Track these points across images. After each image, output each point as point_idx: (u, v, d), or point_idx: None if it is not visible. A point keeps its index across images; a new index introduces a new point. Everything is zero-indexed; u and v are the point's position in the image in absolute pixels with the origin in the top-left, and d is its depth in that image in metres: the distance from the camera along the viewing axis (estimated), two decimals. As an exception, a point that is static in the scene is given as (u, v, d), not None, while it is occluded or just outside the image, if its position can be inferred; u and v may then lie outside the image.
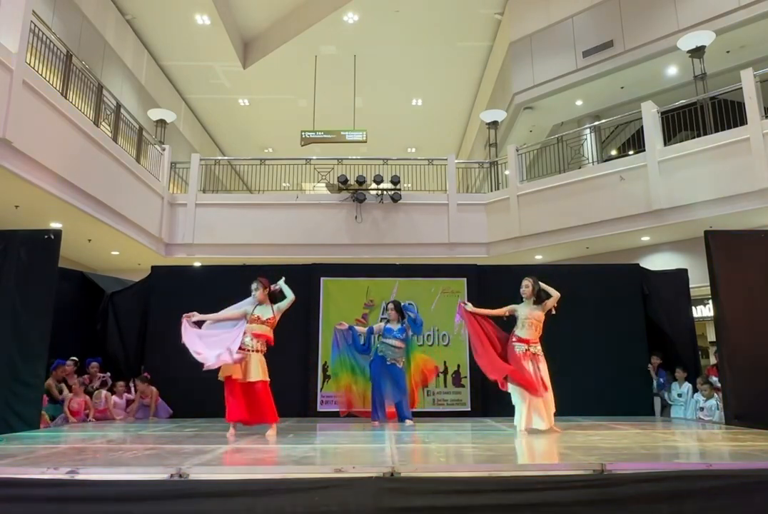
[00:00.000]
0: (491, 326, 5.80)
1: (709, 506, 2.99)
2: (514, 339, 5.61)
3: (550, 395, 5.54)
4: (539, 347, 5.65)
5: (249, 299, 5.51)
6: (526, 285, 5.67)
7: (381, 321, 7.00)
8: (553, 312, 5.69)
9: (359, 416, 6.75)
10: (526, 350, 5.55)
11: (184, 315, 5.30)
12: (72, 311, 7.77)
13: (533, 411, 5.41)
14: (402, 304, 6.85)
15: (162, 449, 4.23)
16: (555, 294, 5.68)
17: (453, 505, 2.91)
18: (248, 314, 5.40)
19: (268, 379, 5.32)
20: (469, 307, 5.86)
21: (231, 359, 5.05)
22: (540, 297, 5.64)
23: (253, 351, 5.29)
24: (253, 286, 5.48)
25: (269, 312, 5.46)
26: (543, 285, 5.69)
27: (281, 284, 5.69)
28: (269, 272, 8.41)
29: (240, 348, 5.18)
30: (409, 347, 6.78)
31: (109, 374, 7.62)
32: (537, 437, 5.01)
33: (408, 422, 6.37)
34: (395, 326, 6.69)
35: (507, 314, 5.78)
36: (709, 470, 3.17)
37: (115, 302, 8.13)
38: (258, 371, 5.23)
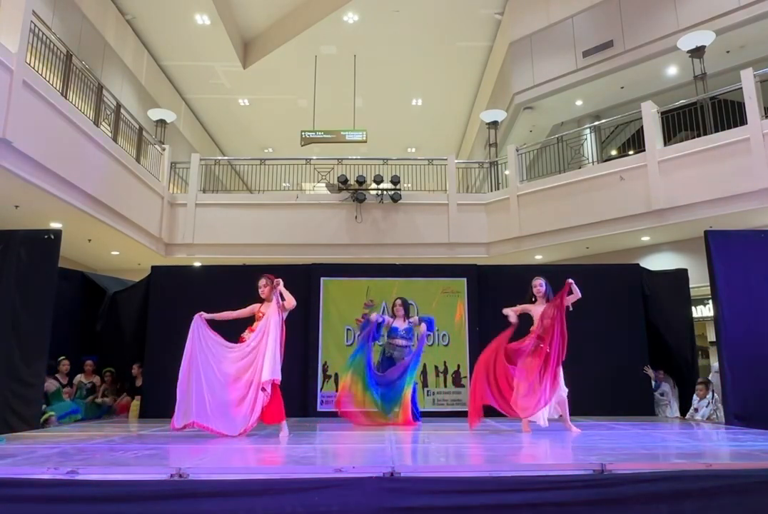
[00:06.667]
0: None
1: (709, 506, 2.99)
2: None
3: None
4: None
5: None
6: (540, 283, 5.70)
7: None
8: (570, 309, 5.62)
9: (351, 421, 6.33)
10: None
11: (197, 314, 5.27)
12: (72, 311, 7.77)
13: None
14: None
15: (162, 449, 4.23)
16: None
17: (453, 505, 2.91)
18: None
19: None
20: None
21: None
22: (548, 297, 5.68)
23: None
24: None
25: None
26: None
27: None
28: (269, 272, 8.47)
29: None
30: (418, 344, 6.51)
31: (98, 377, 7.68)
32: (536, 437, 5.00)
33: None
34: (402, 325, 6.45)
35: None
36: (709, 470, 3.17)
37: (117, 302, 8.13)
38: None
